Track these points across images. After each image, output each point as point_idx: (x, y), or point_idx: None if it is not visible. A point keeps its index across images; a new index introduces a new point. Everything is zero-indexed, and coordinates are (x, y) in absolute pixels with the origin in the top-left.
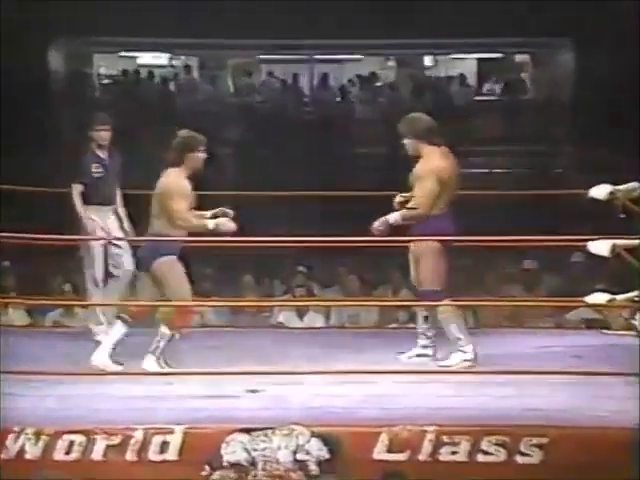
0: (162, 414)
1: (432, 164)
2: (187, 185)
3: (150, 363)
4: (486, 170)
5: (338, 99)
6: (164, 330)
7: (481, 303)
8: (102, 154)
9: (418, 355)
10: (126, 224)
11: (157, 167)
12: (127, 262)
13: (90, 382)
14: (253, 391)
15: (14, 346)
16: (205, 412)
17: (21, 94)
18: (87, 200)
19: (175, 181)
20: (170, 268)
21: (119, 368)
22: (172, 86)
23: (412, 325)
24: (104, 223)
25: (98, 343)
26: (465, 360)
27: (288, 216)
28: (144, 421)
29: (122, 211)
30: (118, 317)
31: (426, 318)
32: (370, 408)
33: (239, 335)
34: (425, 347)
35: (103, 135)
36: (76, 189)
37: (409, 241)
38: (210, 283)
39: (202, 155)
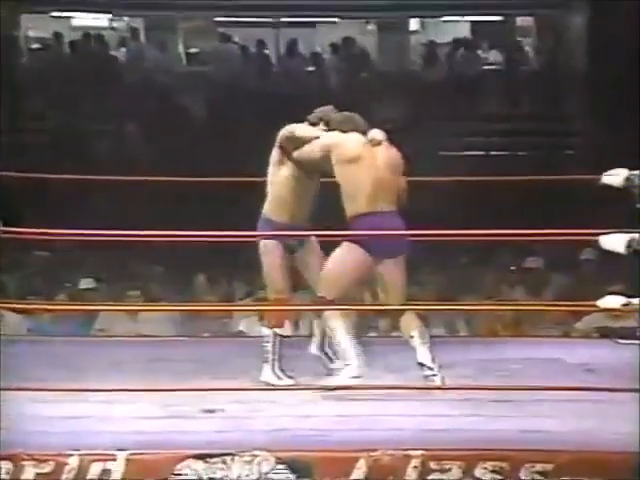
0: (103, 437)
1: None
2: None
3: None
4: (482, 152)
5: (309, 69)
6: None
7: (477, 308)
8: None
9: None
10: None
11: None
12: None
13: (22, 400)
14: (209, 411)
15: None
16: (153, 435)
17: None
18: None
19: None
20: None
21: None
22: (114, 53)
23: (397, 334)
24: None
25: None
26: (353, 377)
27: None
28: (81, 446)
29: None
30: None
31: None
32: (346, 430)
33: (192, 345)
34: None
35: None
36: None
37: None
38: (156, 284)
39: None
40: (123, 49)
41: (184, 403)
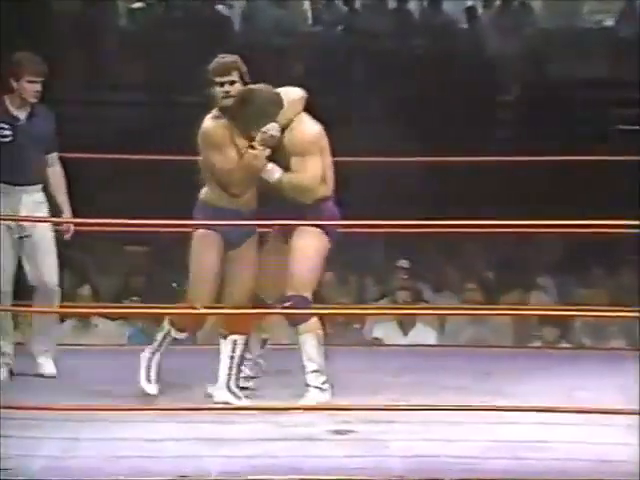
0: (213, 462)
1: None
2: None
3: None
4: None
5: (462, 26)
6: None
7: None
8: (18, 112)
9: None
10: (67, 213)
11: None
12: (45, 268)
13: (107, 421)
14: (338, 432)
15: None
16: (273, 460)
17: None
18: None
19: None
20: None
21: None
22: (225, 11)
23: (565, 345)
24: (13, 211)
25: None
26: (324, 397)
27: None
28: (185, 472)
29: (64, 201)
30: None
31: (265, 341)
32: (501, 458)
33: None
34: (248, 378)
35: (33, 88)
36: None
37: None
38: None
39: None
40: (237, 7)
41: (306, 423)
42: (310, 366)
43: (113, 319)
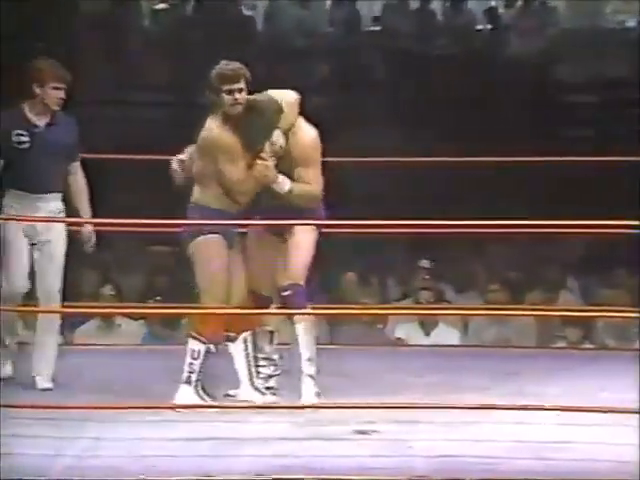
0: (236, 462)
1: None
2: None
3: (186, 395)
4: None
5: (480, 27)
6: (193, 345)
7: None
8: (37, 119)
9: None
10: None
11: None
12: (50, 278)
13: (130, 421)
14: (362, 432)
15: None
16: (296, 459)
17: None
18: (6, 182)
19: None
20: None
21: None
22: (245, 10)
23: (588, 346)
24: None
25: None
26: (318, 393)
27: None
28: (211, 471)
29: (85, 207)
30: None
31: (272, 334)
32: (525, 458)
33: (341, 354)
34: (267, 378)
35: (57, 95)
36: None
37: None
38: None
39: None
40: (259, 7)
41: (330, 422)
42: (305, 354)
43: (136, 319)
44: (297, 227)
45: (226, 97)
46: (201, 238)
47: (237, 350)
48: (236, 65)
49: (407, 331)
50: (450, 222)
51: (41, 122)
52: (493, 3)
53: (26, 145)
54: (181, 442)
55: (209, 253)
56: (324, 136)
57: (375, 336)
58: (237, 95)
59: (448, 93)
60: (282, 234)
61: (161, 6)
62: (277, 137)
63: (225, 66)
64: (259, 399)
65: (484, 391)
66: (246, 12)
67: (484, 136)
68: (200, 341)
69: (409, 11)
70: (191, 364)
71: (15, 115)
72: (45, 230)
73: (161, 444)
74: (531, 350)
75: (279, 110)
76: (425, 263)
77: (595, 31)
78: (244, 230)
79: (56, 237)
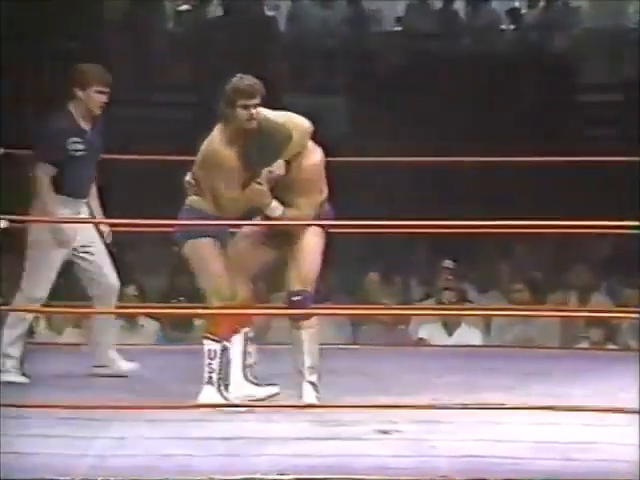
0: (259, 461)
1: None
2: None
3: (209, 395)
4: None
5: (504, 27)
6: (209, 345)
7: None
8: (84, 124)
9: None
10: (104, 226)
11: None
12: (110, 275)
13: (152, 420)
14: (384, 432)
15: None
16: (318, 459)
17: None
18: (56, 188)
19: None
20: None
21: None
22: (267, 11)
23: (612, 346)
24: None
25: None
26: (318, 398)
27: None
28: (233, 470)
29: (97, 206)
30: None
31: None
32: (549, 459)
33: (363, 355)
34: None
35: (100, 99)
36: (43, 171)
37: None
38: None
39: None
40: (282, 8)
41: (351, 422)
42: (308, 361)
43: (158, 319)
44: (304, 230)
45: (241, 112)
46: (195, 240)
47: (236, 345)
48: (253, 80)
49: (430, 331)
50: (450, 223)
51: (87, 127)
52: (517, 4)
53: (81, 152)
54: (202, 441)
55: (205, 254)
56: (344, 137)
57: (398, 336)
58: (252, 110)
59: (470, 93)
60: (282, 235)
61: (184, 7)
62: (277, 167)
63: (242, 81)
64: (256, 392)
65: (507, 391)
66: (269, 12)
67: (505, 136)
68: (214, 340)
69: (432, 11)
70: (210, 364)
71: (66, 119)
72: (85, 233)
73: (184, 443)
74: (554, 351)
75: (288, 139)
76: (448, 263)
77: (618, 31)
78: (237, 230)
79: (96, 236)
